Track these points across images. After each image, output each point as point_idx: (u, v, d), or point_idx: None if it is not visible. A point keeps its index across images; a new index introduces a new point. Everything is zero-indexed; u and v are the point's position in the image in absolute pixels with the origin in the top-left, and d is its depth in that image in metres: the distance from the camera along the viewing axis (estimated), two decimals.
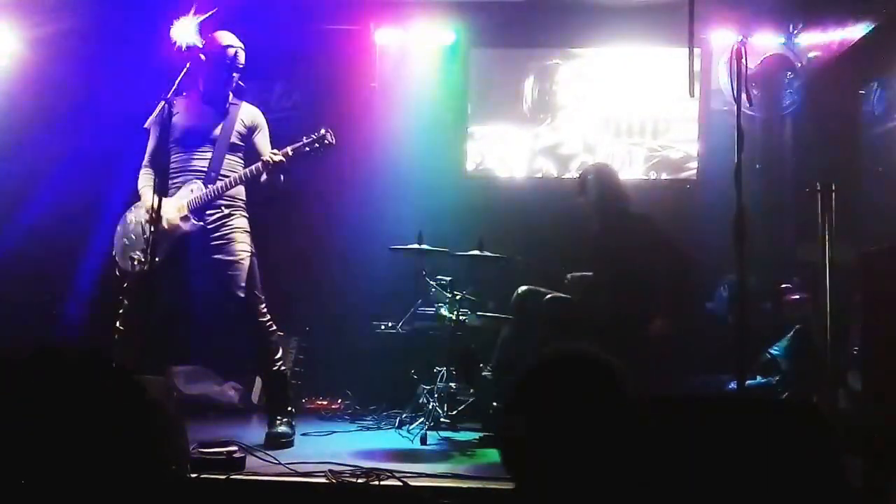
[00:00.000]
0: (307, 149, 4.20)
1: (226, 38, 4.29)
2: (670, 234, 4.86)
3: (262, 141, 4.39)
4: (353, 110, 5.97)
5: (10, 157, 5.76)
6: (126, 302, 4.21)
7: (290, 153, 4.19)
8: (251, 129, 4.35)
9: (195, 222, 4.16)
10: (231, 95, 4.36)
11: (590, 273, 4.87)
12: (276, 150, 4.22)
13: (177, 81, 3.96)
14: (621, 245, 4.66)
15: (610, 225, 4.79)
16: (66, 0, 5.76)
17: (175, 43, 4.22)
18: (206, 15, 4.23)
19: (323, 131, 4.19)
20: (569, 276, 4.92)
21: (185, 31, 4.25)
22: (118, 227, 4.37)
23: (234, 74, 4.30)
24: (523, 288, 4.85)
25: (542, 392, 1.58)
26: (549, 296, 4.71)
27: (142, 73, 5.12)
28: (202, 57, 4.20)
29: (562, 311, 4.65)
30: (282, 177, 4.23)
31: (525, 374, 1.62)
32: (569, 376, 1.58)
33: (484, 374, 4.80)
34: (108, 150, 5.50)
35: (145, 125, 4.22)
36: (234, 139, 4.29)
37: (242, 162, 4.32)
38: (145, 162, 4.37)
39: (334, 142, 4.21)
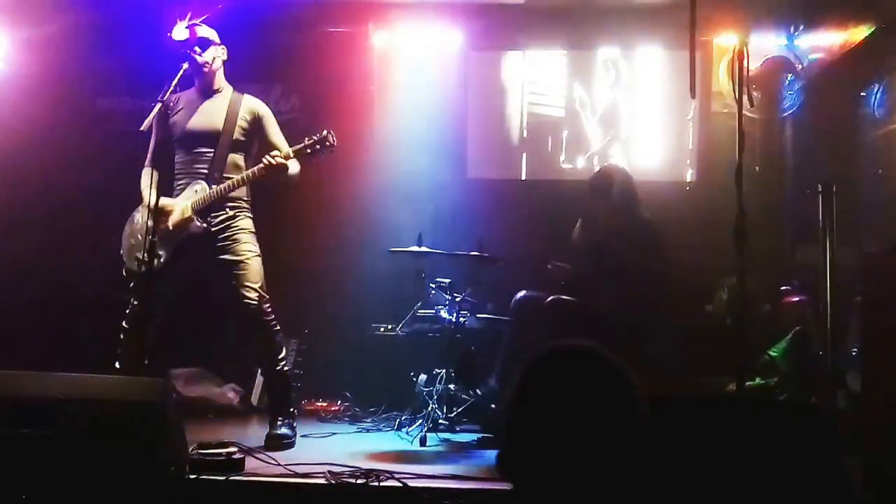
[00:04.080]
0: (309, 150, 4.20)
1: (198, 28, 4.27)
2: (672, 237, 4.86)
3: (271, 130, 4.37)
4: (351, 113, 5.96)
5: (10, 158, 5.76)
6: (133, 302, 4.20)
7: (292, 155, 4.19)
8: (255, 122, 4.34)
9: (200, 224, 4.16)
10: (223, 81, 4.34)
11: (567, 265, 4.85)
12: (278, 152, 4.22)
13: (173, 82, 3.95)
14: (632, 247, 4.64)
15: (622, 227, 4.77)
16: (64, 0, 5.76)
17: (175, 43, 4.24)
18: (200, 19, 4.24)
19: (325, 133, 4.19)
20: (549, 265, 4.90)
21: (180, 32, 4.26)
22: (126, 227, 4.36)
23: (208, 53, 4.26)
24: (521, 294, 4.84)
25: (547, 385, 1.56)
26: (549, 298, 4.70)
27: (143, 73, 5.11)
28: (192, 53, 4.19)
29: (563, 312, 4.64)
30: (291, 172, 4.23)
31: (530, 367, 1.60)
32: (576, 370, 1.56)
33: (490, 384, 4.80)
34: (112, 151, 5.51)
35: (141, 128, 4.21)
36: (238, 136, 4.28)
37: (246, 160, 4.32)
38: (147, 162, 4.37)
39: (336, 143, 4.21)
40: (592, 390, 1.53)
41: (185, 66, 4.12)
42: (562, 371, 1.57)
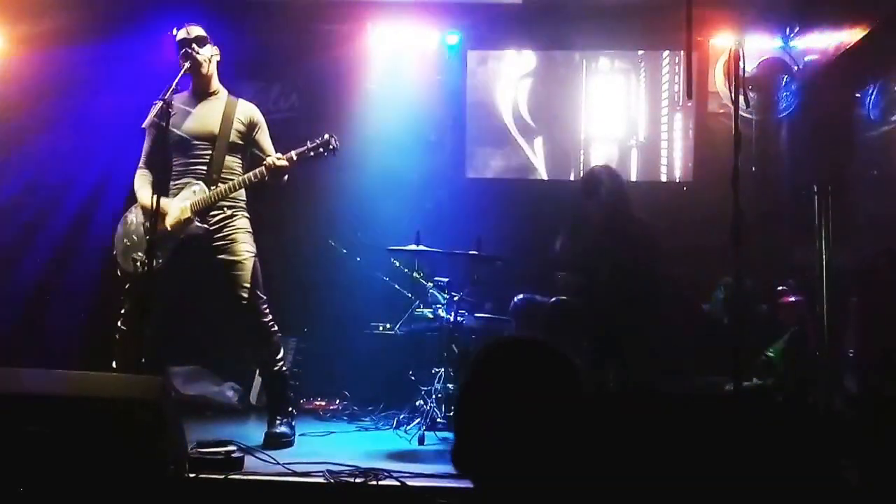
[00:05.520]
0: (312, 154, 4.19)
1: (194, 28, 4.28)
2: (669, 237, 4.87)
3: (263, 138, 4.38)
4: (350, 111, 5.98)
5: (8, 158, 5.76)
6: (128, 303, 4.20)
7: (295, 158, 4.18)
8: (250, 128, 4.34)
9: (199, 224, 4.17)
10: (218, 83, 4.35)
11: (578, 273, 4.87)
12: (280, 154, 4.22)
13: (174, 82, 3.95)
14: (623, 247, 4.66)
15: (614, 227, 4.78)
16: None
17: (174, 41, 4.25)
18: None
19: (327, 136, 4.17)
20: (559, 275, 4.92)
21: (179, 30, 4.27)
22: (119, 228, 4.36)
23: (206, 51, 4.25)
24: (520, 297, 4.85)
25: (492, 376, 1.58)
26: (551, 301, 4.71)
27: (142, 73, 5.12)
28: (192, 52, 4.20)
29: (561, 315, 4.65)
30: (285, 177, 4.24)
31: (475, 359, 1.62)
32: (518, 359, 1.59)
33: None
34: (109, 150, 5.50)
35: (143, 125, 4.23)
36: (234, 138, 4.29)
37: (242, 162, 4.33)
38: (141, 163, 4.37)
39: (339, 146, 4.20)
40: (535, 376, 1.55)
41: (187, 65, 4.13)
42: (505, 361, 1.59)
